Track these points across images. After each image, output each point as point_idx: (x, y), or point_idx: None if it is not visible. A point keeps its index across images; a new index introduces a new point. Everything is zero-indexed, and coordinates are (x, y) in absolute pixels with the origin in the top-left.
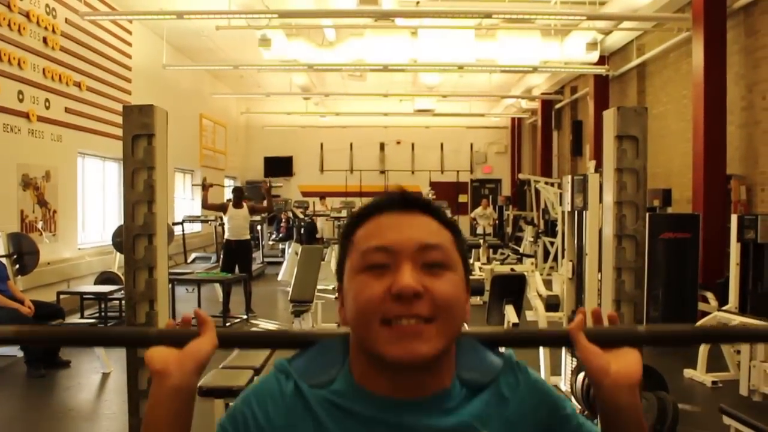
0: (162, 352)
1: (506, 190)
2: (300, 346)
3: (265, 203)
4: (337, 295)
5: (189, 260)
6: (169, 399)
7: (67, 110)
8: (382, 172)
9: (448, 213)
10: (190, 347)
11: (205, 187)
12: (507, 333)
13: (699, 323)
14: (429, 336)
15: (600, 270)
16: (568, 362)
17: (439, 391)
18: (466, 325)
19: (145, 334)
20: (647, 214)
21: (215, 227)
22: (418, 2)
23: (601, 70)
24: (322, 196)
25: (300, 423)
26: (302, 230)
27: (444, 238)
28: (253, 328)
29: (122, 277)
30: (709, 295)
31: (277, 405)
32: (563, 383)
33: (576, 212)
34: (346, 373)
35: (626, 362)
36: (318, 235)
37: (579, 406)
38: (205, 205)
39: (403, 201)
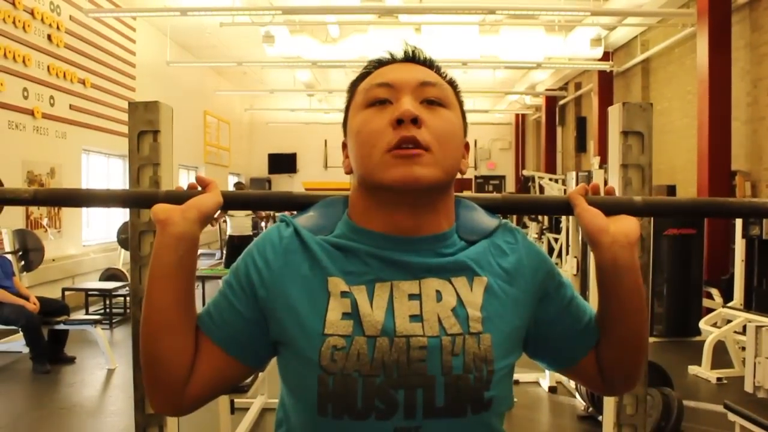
0: (166, 205)
1: (510, 186)
2: (304, 207)
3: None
4: (342, 150)
5: None
6: (171, 246)
7: (71, 107)
8: None
9: None
10: (193, 200)
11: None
12: (505, 199)
13: (704, 319)
14: (426, 162)
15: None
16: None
17: (436, 233)
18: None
19: (154, 194)
20: None
21: (219, 224)
22: None
23: (605, 66)
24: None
25: (296, 261)
26: None
27: (445, 85)
28: None
29: (127, 274)
30: (714, 292)
31: (275, 248)
32: (568, 380)
33: None
34: (345, 219)
35: (624, 223)
36: None
37: (584, 403)
38: (215, 224)
39: (406, 55)
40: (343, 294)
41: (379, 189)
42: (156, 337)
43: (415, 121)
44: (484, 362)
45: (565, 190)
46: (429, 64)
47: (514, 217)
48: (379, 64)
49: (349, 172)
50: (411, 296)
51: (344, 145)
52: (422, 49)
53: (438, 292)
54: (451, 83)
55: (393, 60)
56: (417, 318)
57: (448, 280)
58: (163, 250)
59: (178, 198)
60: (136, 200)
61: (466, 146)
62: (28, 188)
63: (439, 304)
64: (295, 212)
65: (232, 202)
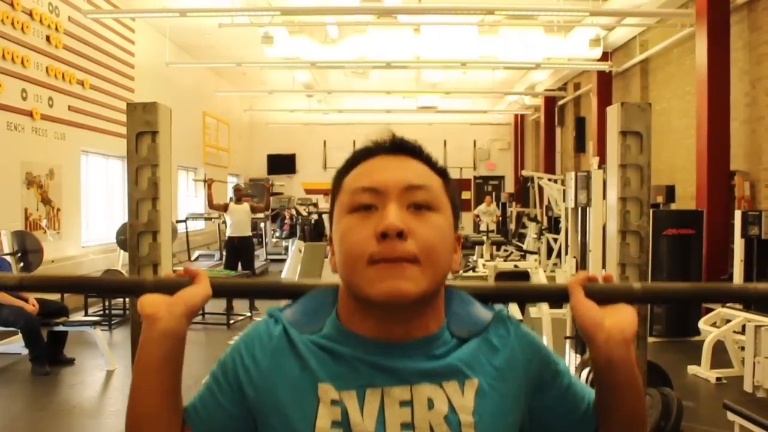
0: (154, 297)
1: (509, 186)
2: (291, 296)
3: (264, 202)
4: (328, 245)
5: (193, 258)
6: (157, 342)
7: (70, 108)
8: None
9: None
10: (181, 293)
11: (208, 183)
12: (498, 288)
13: (703, 319)
14: (412, 275)
15: (603, 266)
16: (572, 358)
17: (426, 335)
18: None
19: (141, 282)
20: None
21: (218, 225)
22: None
23: (604, 66)
24: (328, 193)
25: (285, 363)
26: (310, 227)
27: (433, 181)
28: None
29: (126, 275)
30: None
31: (264, 347)
32: None
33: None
34: (333, 318)
35: (621, 317)
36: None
37: None
38: (212, 206)
39: (392, 145)
40: (333, 402)
41: (364, 299)
42: (140, 430)
43: (401, 234)
44: None
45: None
46: (417, 153)
47: (514, 214)
48: (366, 154)
49: (335, 271)
50: (402, 403)
51: (331, 240)
52: (408, 140)
53: (430, 399)
54: (441, 173)
55: (381, 147)
56: (408, 426)
57: (439, 385)
58: (149, 344)
59: (166, 287)
60: (123, 289)
61: (458, 239)
62: (14, 274)
63: (431, 412)
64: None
65: (221, 292)
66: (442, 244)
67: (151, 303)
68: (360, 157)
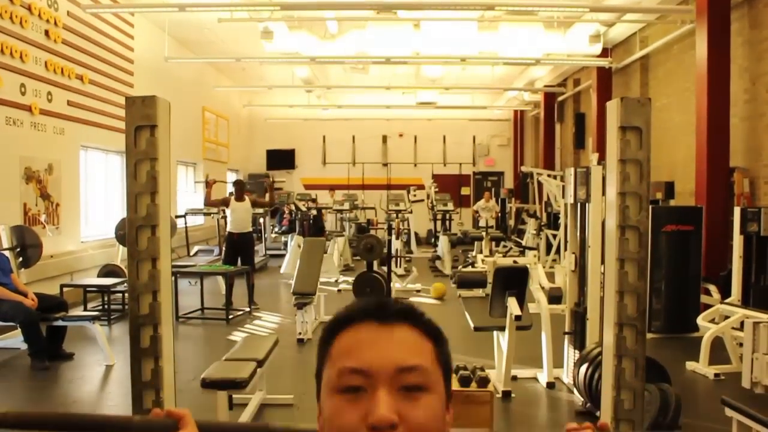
0: None
1: (509, 182)
2: None
3: (267, 197)
4: (317, 398)
5: (192, 253)
6: None
7: (69, 103)
8: (385, 164)
9: (451, 206)
10: None
11: (209, 184)
12: None
13: (702, 315)
14: None
15: (603, 262)
16: (570, 354)
17: None
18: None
19: (129, 421)
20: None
21: (218, 220)
22: None
23: (604, 62)
24: (331, 188)
25: None
26: (309, 222)
27: (424, 354)
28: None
29: (125, 270)
30: (712, 288)
31: None
32: (565, 375)
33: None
34: None
35: None
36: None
37: (582, 399)
38: (208, 203)
39: (381, 312)
40: None
41: None
42: None
43: (393, 427)
44: None
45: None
46: (407, 317)
47: (514, 210)
48: (354, 317)
49: None
50: None
51: (318, 398)
52: (398, 304)
53: None
54: (434, 335)
55: (369, 312)
56: None
57: None
58: None
59: (151, 428)
60: (109, 427)
61: (448, 407)
62: None
63: None
64: None
65: None
66: (434, 428)
67: None
68: (347, 320)
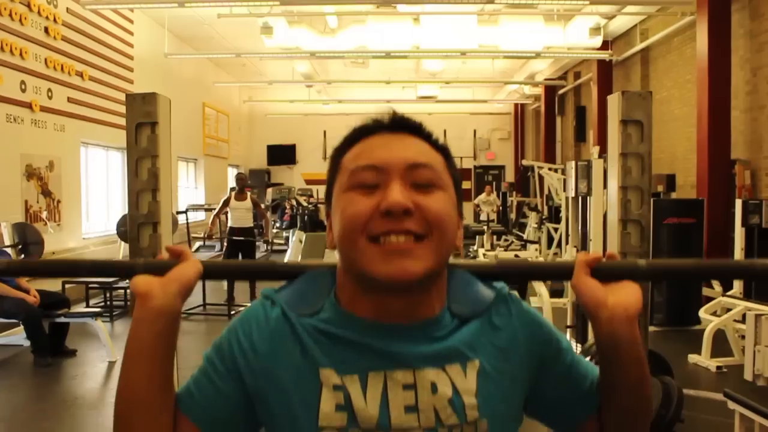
0: (146, 277)
1: (510, 176)
2: (286, 278)
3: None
4: (326, 221)
5: (193, 249)
6: (151, 319)
7: (69, 100)
8: None
9: None
10: (173, 271)
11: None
12: (501, 265)
13: (703, 308)
14: (419, 254)
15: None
16: (575, 348)
17: (428, 318)
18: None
19: (132, 265)
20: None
21: (219, 217)
22: None
23: (604, 55)
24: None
25: (285, 347)
26: (306, 218)
27: (435, 159)
28: None
29: None
30: (714, 281)
31: (262, 330)
32: None
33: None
34: (332, 300)
35: (624, 294)
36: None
37: None
38: (214, 226)
39: (393, 122)
40: (336, 387)
41: (365, 280)
42: (130, 416)
43: (407, 212)
44: None
45: (564, 180)
46: (418, 130)
47: (515, 203)
48: (366, 131)
49: (333, 247)
50: (405, 386)
51: (328, 215)
52: (409, 117)
53: (433, 383)
54: (443, 151)
55: (381, 124)
56: (412, 409)
57: (442, 369)
58: (142, 324)
59: (158, 268)
60: (114, 271)
61: (460, 215)
62: (2, 260)
63: (435, 396)
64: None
65: (214, 273)
66: (448, 218)
67: (144, 282)
68: (359, 134)
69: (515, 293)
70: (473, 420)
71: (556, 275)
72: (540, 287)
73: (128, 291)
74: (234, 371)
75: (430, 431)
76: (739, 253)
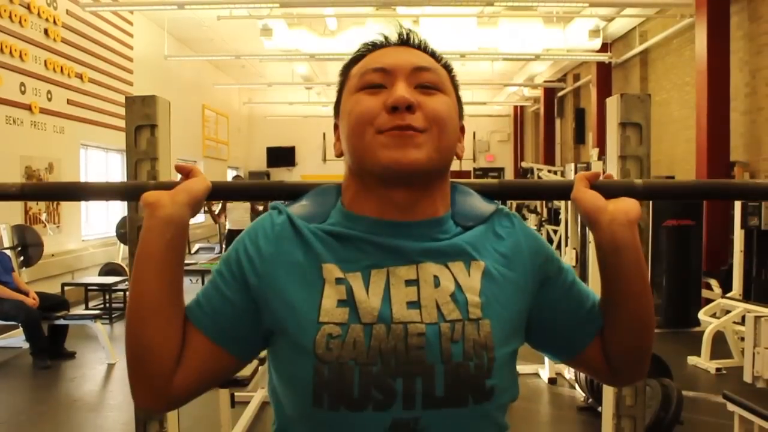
0: (156, 191)
1: (509, 178)
2: (293, 196)
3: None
4: (333, 131)
5: (192, 251)
6: (160, 228)
7: (69, 102)
8: None
9: None
10: (182, 184)
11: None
12: (502, 184)
13: (703, 310)
14: (422, 143)
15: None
16: None
17: (431, 217)
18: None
19: (144, 185)
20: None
21: (219, 219)
22: None
23: (603, 57)
24: None
25: (289, 248)
26: None
27: (439, 68)
28: None
29: (126, 269)
30: (713, 282)
31: (267, 236)
32: (567, 371)
33: None
34: (338, 207)
35: (624, 202)
36: None
37: (583, 394)
38: (217, 221)
39: (399, 38)
40: (338, 281)
41: (372, 171)
42: (142, 323)
43: (410, 108)
44: (485, 349)
45: None
46: (424, 47)
47: (514, 206)
48: (373, 47)
49: (339, 154)
50: (408, 282)
51: (336, 127)
52: (417, 33)
53: (436, 277)
54: (447, 67)
55: (387, 43)
56: (415, 304)
57: (445, 265)
58: (151, 233)
59: (167, 187)
60: (126, 192)
61: (462, 130)
62: (15, 183)
63: (437, 290)
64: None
65: (221, 190)
66: (449, 119)
67: (153, 194)
68: (368, 49)
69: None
70: (476, 318)
71: (557, 193)
72: None
73: (127, 293)
74: (240, 277)
75: (432, 325)
76: (738, 255)
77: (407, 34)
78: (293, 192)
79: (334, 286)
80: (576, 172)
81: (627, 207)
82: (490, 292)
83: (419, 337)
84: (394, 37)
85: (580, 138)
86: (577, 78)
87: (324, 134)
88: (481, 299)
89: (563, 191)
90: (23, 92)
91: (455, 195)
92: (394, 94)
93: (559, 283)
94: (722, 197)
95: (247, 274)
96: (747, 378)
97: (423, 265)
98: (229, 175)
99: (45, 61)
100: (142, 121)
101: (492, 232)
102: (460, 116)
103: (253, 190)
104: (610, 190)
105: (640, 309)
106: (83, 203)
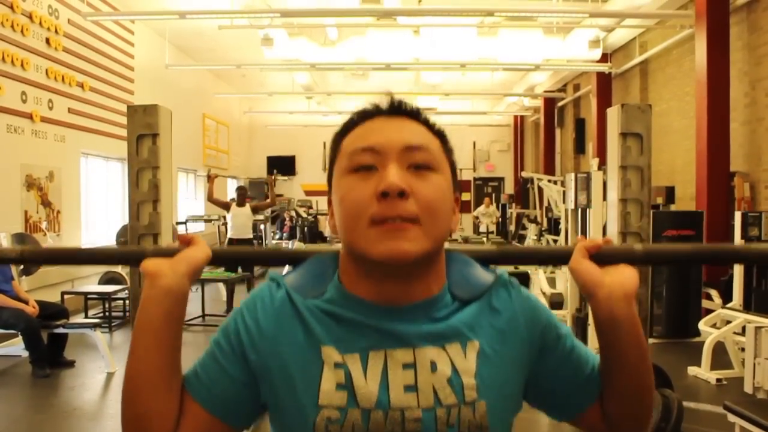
0: (156, 259)
1: (509, 188)
2: (291, 263)
3: (268, 195)
4: (327, 206)
5: None
6: (159, 300)
7: (70, 111)
8: None
9: None
10: (182, 253)
11: (211, 178)
12: (501, 251)
13: (703, 320)
14: (414, 236)
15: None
16: None
17: (426, 298)
18: (458, 240)
19: (142, 251)
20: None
21: (218, 226)
22: (420, 0)
23: (603, 67)
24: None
25: (288, 327)
26: (306, 229)
27: (431, 142)
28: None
29: (126, 277)
30: (713, 293)
31: (267, 310)
32: None
33: (579, 210)
34: (336, 283)
35: (621, 274)
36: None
37: None
38: (211, 199)
39: (391, 107)
40: (337, 365)
41: (364, 260)
42: (139, 392)
43: (402, 194)
44: (480, 429)
45: (564, 192)
46: (415, 115)
47: (514, 215)
48: (365, 116)
49: (334, 232)
50: (405, 365)
51: (330, 202)
52: (407, 102)
53: (433, 362)
54: (439, 134)
55: (377, 110)
56: (412, 388)
57: (442, 348)
58: (151, 302)
59: (166, 254)
60: (123, 258)
61: (457, 201)
62: (14, 247)
63: (434, 375)
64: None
65: (221, 258)
66: (442, 203)
67: (154, 263)
68: (358, 119)
69: (514, 279)
70: (471, 401)
71: (555, 260)
72: (540, 299)
73: (127, 302)
74: (239, 351)
75: (428, 411)
76: (738, 266)
77: (398, 104)
78: (291, 259)
79: (332, 369)
80: (576, 182)
81: (623, 279)
82: (485, 372)
83: (416, 423)
84: (384, 104)
85: (580, 148)
86: (577, 88)
87: (324, 143)
88: (476, 381)
89: (562, 258)
90: (24, 101)
91: (452, 265)
92: (385, 181)
93: (558, 351)
94: (722, 263)
95: (246, 348)
96: (747, 388)
97: (420, 349)
98: (230, 185)
99: (46, 70)
100: (143, 130)
101: (489, 306)
102: (455, 186)
103: (252, 257)
104: (609, 257)
105: (638, 377)
106: (83, 210)
